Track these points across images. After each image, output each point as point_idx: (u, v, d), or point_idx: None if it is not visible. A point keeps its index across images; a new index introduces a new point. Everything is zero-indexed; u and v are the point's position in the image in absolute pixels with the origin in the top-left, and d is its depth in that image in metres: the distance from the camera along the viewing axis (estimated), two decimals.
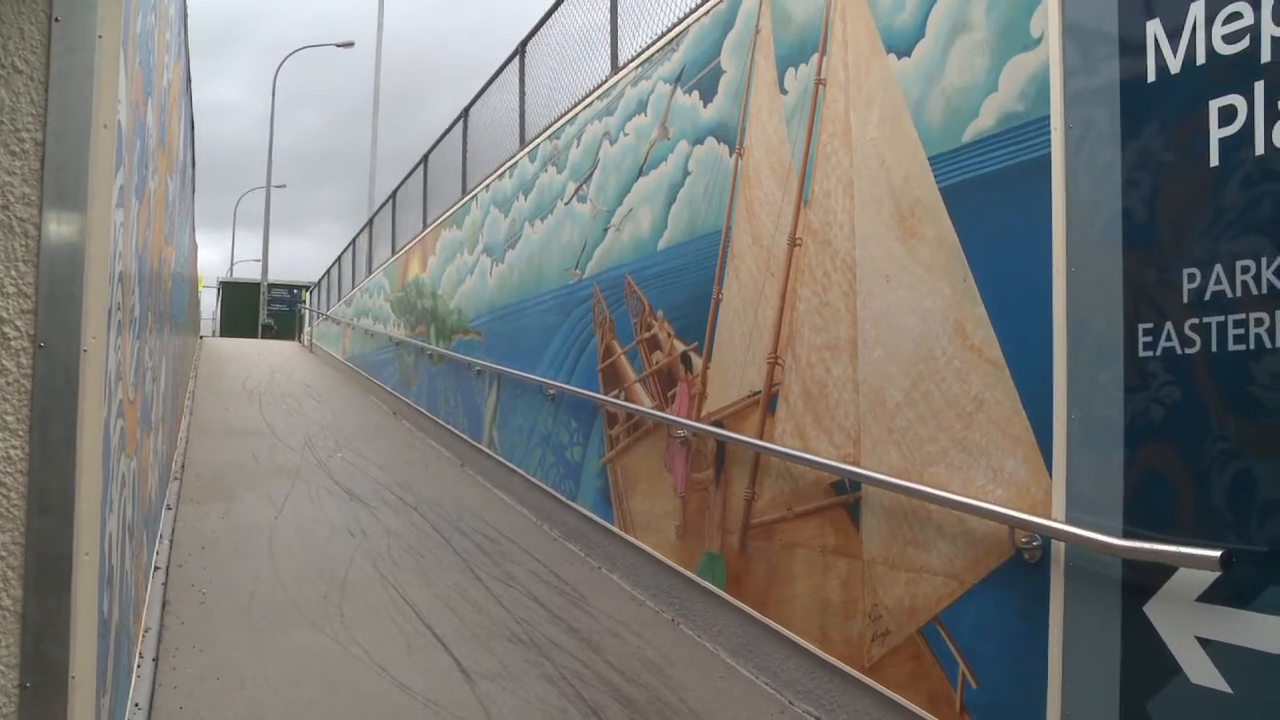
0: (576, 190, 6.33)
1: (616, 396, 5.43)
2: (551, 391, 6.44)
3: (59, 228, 1.64)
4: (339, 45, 27.49)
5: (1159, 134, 2.36)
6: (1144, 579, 2.32)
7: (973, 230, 2.95)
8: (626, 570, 5.18)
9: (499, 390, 7.86)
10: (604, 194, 5.85)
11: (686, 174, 4.80)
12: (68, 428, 1.60)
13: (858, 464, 3.37)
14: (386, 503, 6.71)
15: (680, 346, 4.74)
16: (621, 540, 5.28)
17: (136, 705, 3.02)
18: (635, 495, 5.19)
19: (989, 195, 2.88)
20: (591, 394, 5.75)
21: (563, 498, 6.19)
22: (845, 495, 3.45)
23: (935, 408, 3.03)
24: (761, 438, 3.96)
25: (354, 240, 18.72)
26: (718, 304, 4.41)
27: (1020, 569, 2.68)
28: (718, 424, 4.32)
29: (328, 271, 22.93)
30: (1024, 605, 2.67)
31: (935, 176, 3.11)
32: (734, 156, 4.37)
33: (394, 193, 14.19)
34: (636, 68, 5.52)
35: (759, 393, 4.02)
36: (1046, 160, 2.66)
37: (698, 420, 4.49)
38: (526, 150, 7.54)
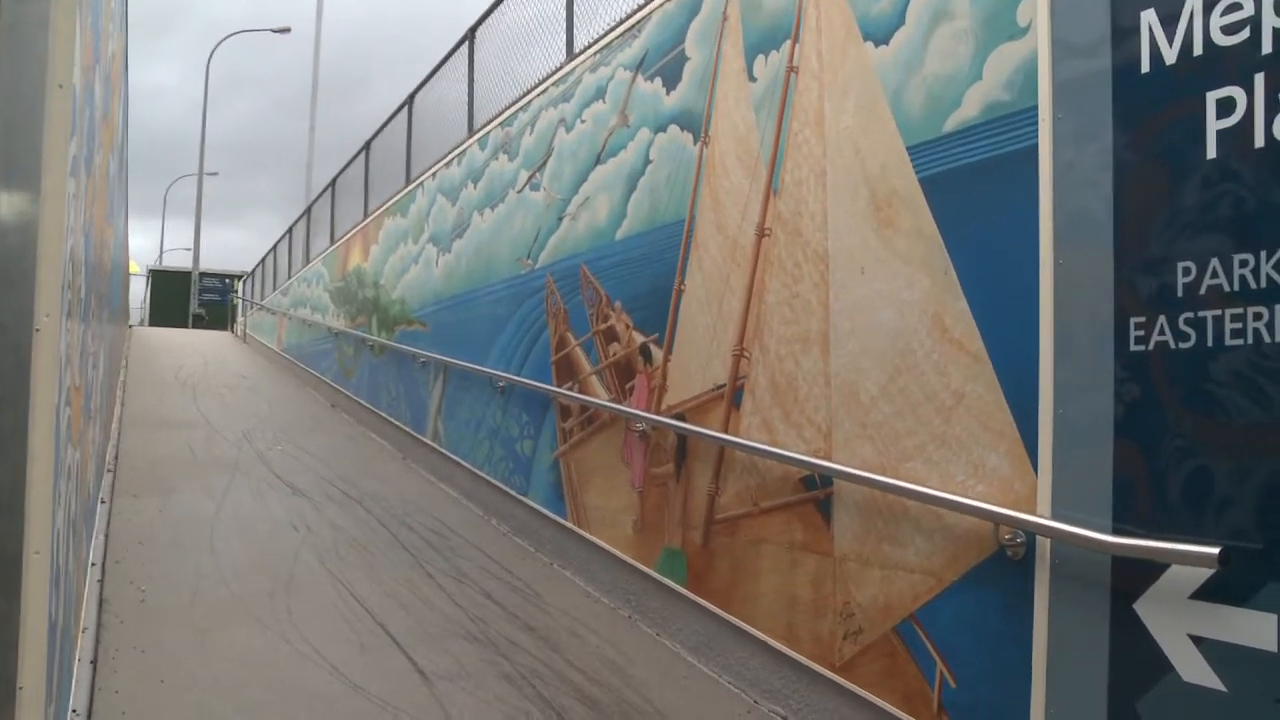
0: (529, 178, 6.19)
1: (571, 389, 5.31)
2: (502, 384, 6.29)
3: (10, 196, 1.48)
4: (275, 30, 26.81)
5: (1153, 126, 2.32)
6: (1134, 576, 2.28)
7: (954, 222, 2.90)
8: (580, 566, 5.07)
9: (445, 382, 7.68)
10: (559, 182, 5.72)
11: (648, 162, 4.70)
12: (19, 414, 1.43)
13: (829, 459, 3.31)
14: (330, 496, 6.49)
15: (639, 338, 4.64)
16: (575, 536, 5.16)
17: (75, 712, 2.82)
18: (590, 490, 5.08)
19: (972, 186, 2.83)
20: (544, 386, 5.62)
21: (512, 492, 6.05)
22: (815, 491, 3.39)
23: (913, 402, 2.98)
24: (726, 432, 3.88)
25: (290, 229, 18.24)
26: (679, 295, 4.32)
27: (1003, 566, 2.64)
28: (679, 417, 4.23)
29: (262, 260, 22.34)
30: (1007, 602, 2.62)
31: (914, 166, 3.05)
32: (698, 145, 4.28)
33: (334, 180, 13.83)
34: (595, 54, 5.40)
35: (723, 386, 3.94)
36: (1033, 151, 2.62)
37: (658, 413, 4.40)
38: (476, 137, 7.36)
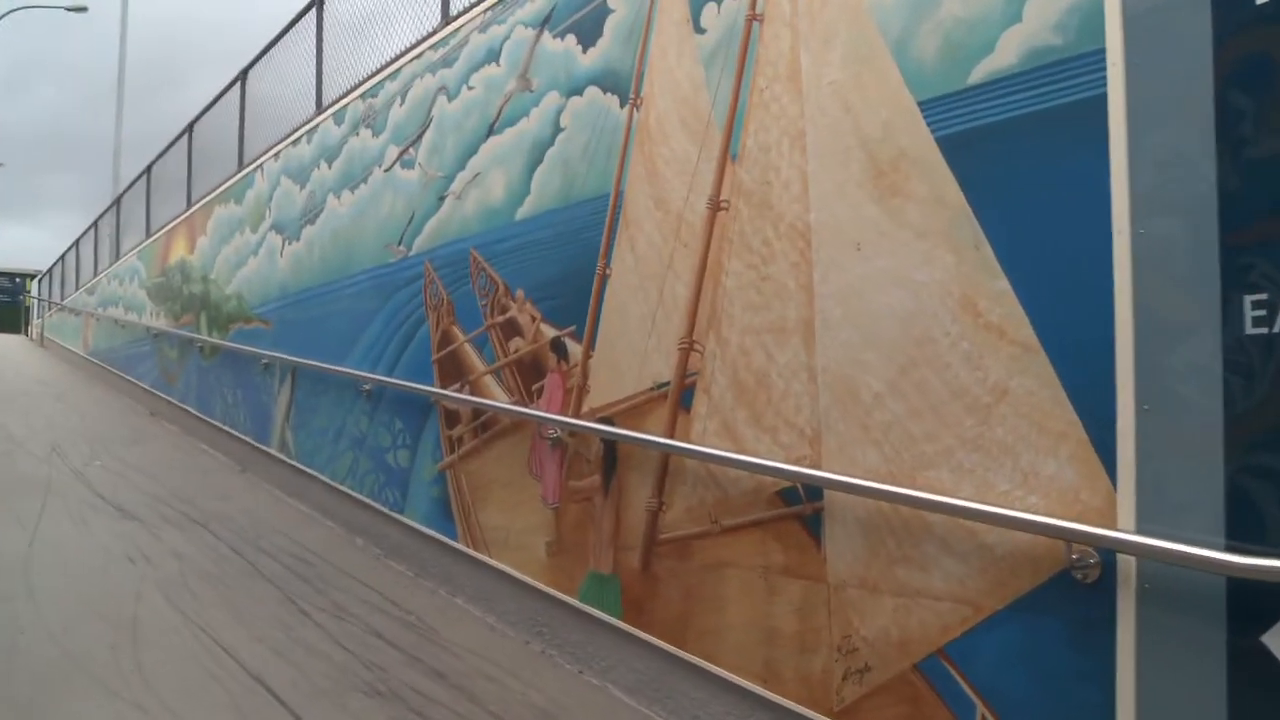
0: (400, 154, 5.45)
1: (460, 391, 4.63)
2: (368, 386, 5.51)
3: None
4: (69, 9, 24.23)
5: (1270, 58, 1.96)
6: (1261, 603, 1.91)
7: (987, 187, 2.48)
8: (476, 594, 4.39)
9: (294, 386, 6.77)
10: (439, 158, 5.02)
11: (558, 130, 4.10)
12: None
13: (817, 468, 2.83)
14: (167, 519, 5.50)
15: (550, 331, 4.03)
16: (467, 559, 4.48)
17: None
18: (487, 506, 4.41)
19: (1012, 146, 2.42)
20: (425, 388, 4.90)
21: (383, 509, 5.28)
22: (799, 505, 2.90)
23: (934, 400, 2.53)
24: (674, 437, 3.34)
25: (97, 221, 16.40)
26: (604, 280, 3.75)
27: (1068, 591, 2.22)
28: (606, 421, 3.66)
29: (62, 257, 20.12)
30: (1074, 635, 2.21)
31: (929, 125, 2.62)
32: (627, 108, 3.72)
33: (149, 167, 12.40)
34: (485, 11, 4.74)
35: (666, 384, 3.40)
36: (1099, 102, 2.22)
37: (577, 417, 3.81)
38: (330, 111, 6.52)
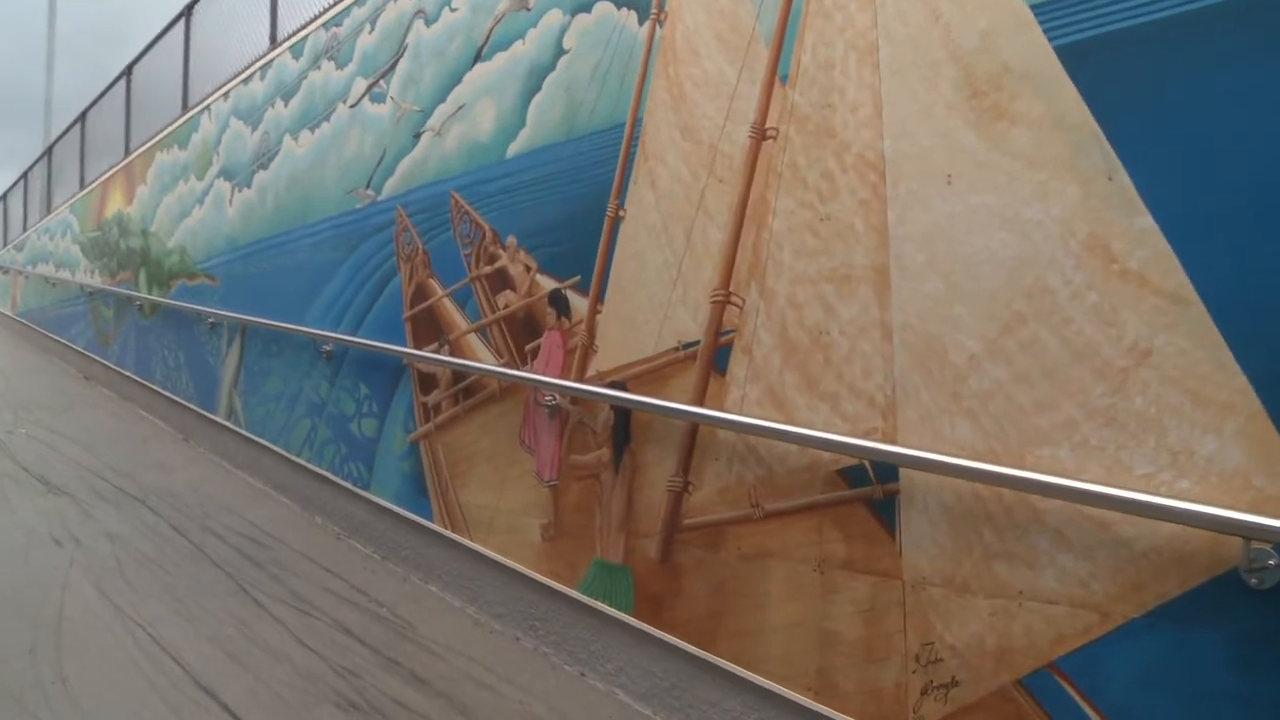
0: (370, 87, 4.87)
1: (438, 352, 4.11)
2: (328, 347, 4.95)
3: None
4: None
5: None
6: None
7: (1126, 106, 2.03)
8: (455, 582, 3.89)
9: (243, 347, 6.16)
10: (415, 89, 4.46)
11: (560, 53, 3.58)
12: None
13: (892, 442, 2.38)
14: (101, 494, 4.91)
15: (548, 283, 3.53)
16: (445, 541, 3.98)
17: None
18: (469, 483, 3.90)
19: (1163, 54, 1.97)
20: (395, 349, 4.36)
21: (345, 484, 4.74)
22: (867, 487, 2.44)
23: (1049, 363, 2.09)
24: (704, 405, 2.87)
25: (26, 174, 15.41)
26: (616, 224, 3.25)
27: (1236, 597, 1.80)
28: (618, 387, 3.17)
29: None
30: (1240, 651, 1.79)
31: (1046, 32, 2.16)
32: (647, 24, 3.22)
33: (84, 114, 11.54)
34: None
35: (695, 344, 2.92)
36: None
37: (582, 381, 3.32)
38: (288, 44, 5.88)
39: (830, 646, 2.48)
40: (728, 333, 2.82)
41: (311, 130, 5.44)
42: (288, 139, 5.75)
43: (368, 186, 4.77)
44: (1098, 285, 2.02)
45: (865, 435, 2.43)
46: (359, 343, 4.65)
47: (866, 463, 2.44)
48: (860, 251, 2.48)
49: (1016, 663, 2.12)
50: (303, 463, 5.18)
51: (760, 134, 2.78)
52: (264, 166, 6.08)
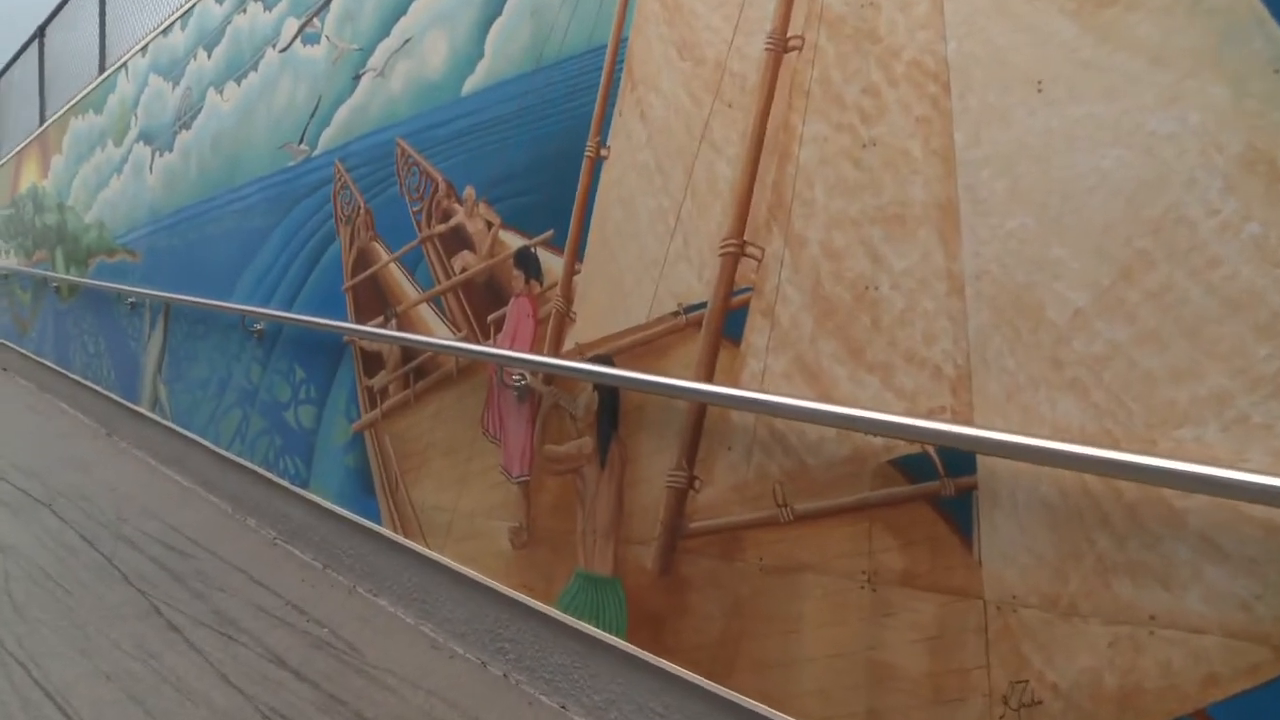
0: (302, 28, 4.25)
1: (384, 326, 3.53)
2: (259, 325, 4.33)
3: None
4: None
5: None
6: None
7: None
8: (408, 595, 3.34)
9: (167, 329, 5.51)
10: (353, 26, 3.86)
11: None
12: None
13: (968, 424, 1.86)
14: (1, 498, 4.25)
15: (514, 240, 2.97)
16: (396, 548, 3.41)
17: None
18: (423, 479, 3.34)
19: None
20: (335, 324, 3.77)
21: (281, 481, 4.14)
22: (932, 481, 1.93)
23: (1189, 317, 1.58)
24: (711, 380, 2.34)
25: None
26: (596, 165, 2.70)
27: None
28: (603, 362, 2.63)
29: None
30: None
31: None
32: None
33: None
34: None
35: (700, 307, 2.39)
36: None
37: (558, 356, 2.77)
38: None
39: (884, 683, 1.97)
40: (742, 291, 2.28)
41: (238, 82, 4.80)
42: (212, 93, 5.10)
43: (301, 141, 4.15)
44: (1258, 213, 1.52)
45: (930, 415, 1.91)
46: (294, 319, 4.05)
47: (931, 450, 1.92)
48: (918, 184, 1.96)
49: (1149, 709, 1.62)
50: (233, 457, 4.57)
51: (781, 45, 2.24)
52: (186, 126, 5.41)
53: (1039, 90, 1.78)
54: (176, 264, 5.50)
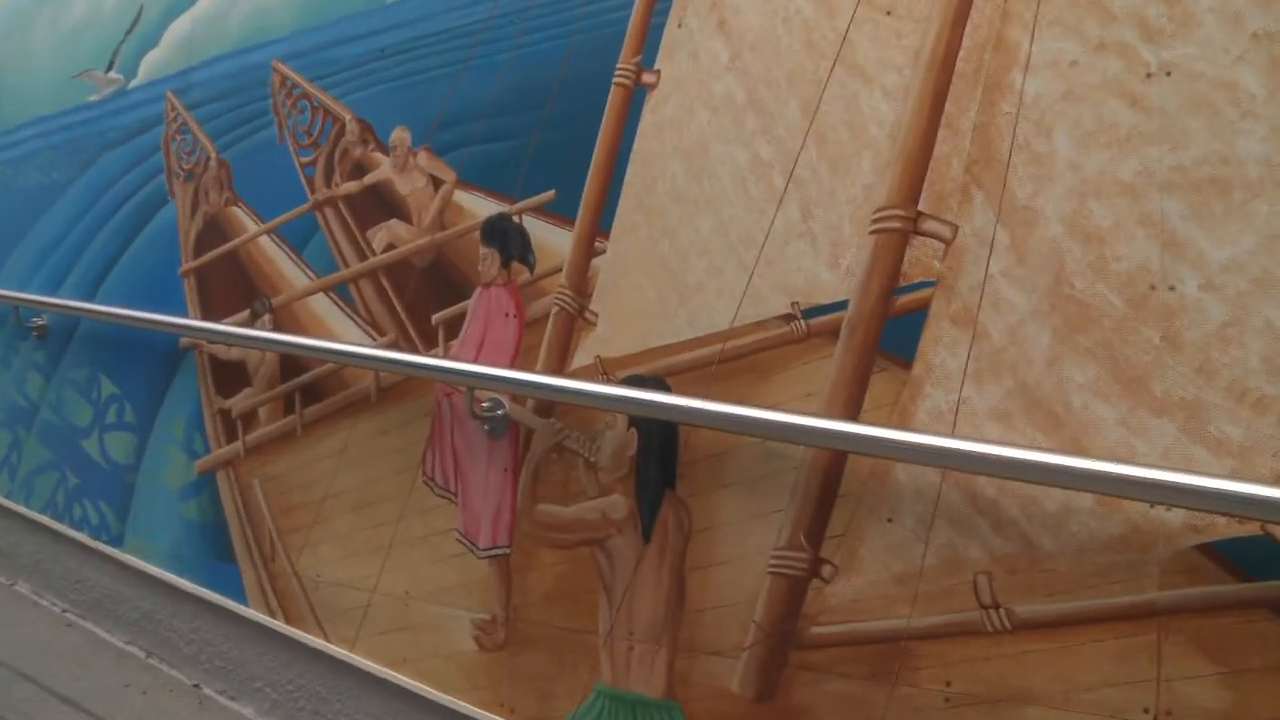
0: None
1: (253, 325, 2.51)
2: (40, 319, 3.13)
3: None
4: None
5: None
6: None
7: None
8: (290, 703, 2.34)
9: None
10: None
11: None
12: None
13: None
14: None
15: (481, 205, 2.09)
16: (268, 636, 2.40)
17: None
18: (318, 543, 2.35)
19: None
20: (167, 320, 2.69)
21: (80, 536, 2.97)
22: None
23: None
24: (858, 419, 1.58)
25: None
26: (633, 96, 1.88)
27: None
28: (646, 385, 1.81)
29: None
30: None
31: None
32: None
33: None
34: None
35: (836, 308, 1.62)
36: None
37: (566, 374, 1.92)
38: None
39: None
40: (915, 287, 1.55)
41: None
42: None
43: (110, 68, 3.01)
44: None
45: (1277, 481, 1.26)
46: (98, 311, 2.90)
47: (1271, 530, 1.26)
48: (1254, 133, 1.30)
49: None
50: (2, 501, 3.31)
51: None
52: None
53: None
54: None
